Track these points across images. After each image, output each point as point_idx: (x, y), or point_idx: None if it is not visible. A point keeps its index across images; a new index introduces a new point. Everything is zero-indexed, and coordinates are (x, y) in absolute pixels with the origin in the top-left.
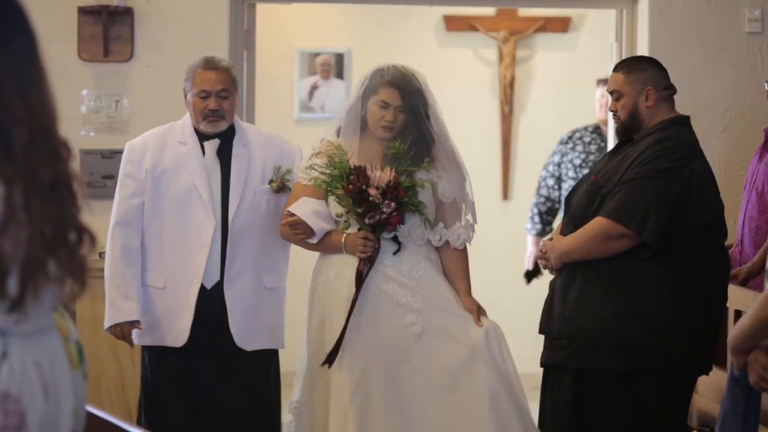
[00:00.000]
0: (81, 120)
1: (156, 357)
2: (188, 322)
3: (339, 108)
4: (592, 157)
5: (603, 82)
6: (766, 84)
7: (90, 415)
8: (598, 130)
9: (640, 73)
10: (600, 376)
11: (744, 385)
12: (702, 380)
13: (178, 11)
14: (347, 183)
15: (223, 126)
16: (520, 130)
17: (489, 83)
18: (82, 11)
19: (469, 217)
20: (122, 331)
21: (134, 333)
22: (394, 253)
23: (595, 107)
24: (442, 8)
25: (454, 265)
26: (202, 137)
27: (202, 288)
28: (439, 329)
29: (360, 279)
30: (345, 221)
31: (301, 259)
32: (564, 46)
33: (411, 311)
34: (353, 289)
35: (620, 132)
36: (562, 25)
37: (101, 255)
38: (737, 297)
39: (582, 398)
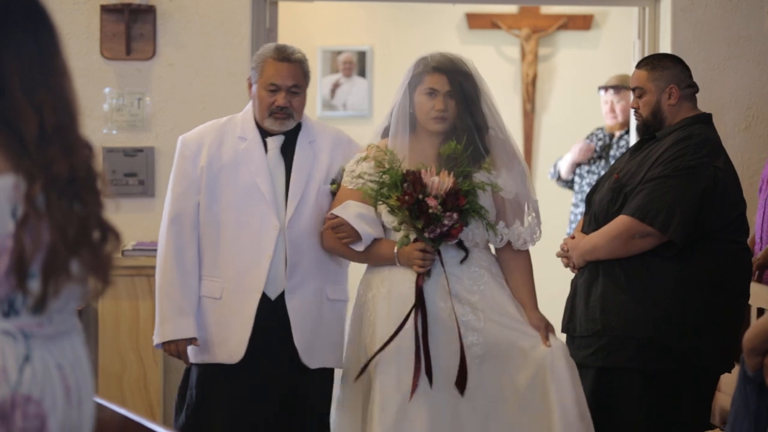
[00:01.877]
0: (103, 118)
1: (206, 375)
2: (246, 336)
3: (361, 106)
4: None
5: (605, 89)
6: None
7: (113, 413)
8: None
9: (664, 71)
10: (624, 374)
11: (756, 384)
12: (724, 378)
13: (201, 9)
14: (402, 193)
15: (290, 125)
16: (542, 128)
17: (511, 81)
18: (105, 9)
19: (531, 217)
20: (177, 349)
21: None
22: (462, 261)
23: (598, 112)
24: (464, 6)
25: (517, 273)
26: (265, 133)
27: (265, 299)
28: (503, 350)
29: (421, 295)
30: (405, 236)
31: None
32: (586, 44)
33: (472, 330)
34: (407, 308)
35: (642, 129)
36: (584, 23)
37: (123, 253)
38: (761, 295)
39: (605, 396)
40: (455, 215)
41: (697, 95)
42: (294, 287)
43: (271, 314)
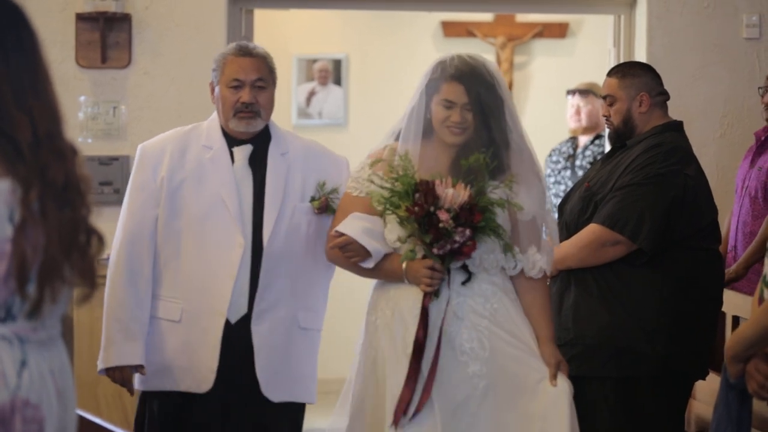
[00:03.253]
0: (78, 126)
1: (168, 405)
2: (214, 363)
3: (337, 114)
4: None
5: (573, 92)
6: (759, 89)
7: (87, 423)
8: (573, 141)
9: (634, 79)
10: (597, 382)
11: (739, 391)
12: (699, 386)
13: (176, 17)
14: (412, 203)
15: (257, 125)
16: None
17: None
18: (80, 18)
19: (547, 239)
20: (122, 376)
21: (137, 377)
22: (463, 284)
23: (566, 118)
24: (439, 14)
25: (532, 301)
26: (232, 141)
27: (226, 322)
28: (507, 384)
29: (426, 316)
30: (410, 250)
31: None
32: (562, 52)
33: (476, 360)
34: (412, 330)
35: (613, 138)
36: (559, 31)
37: (101, 261)
38: (735, 303)
39: (579, 405)
40: (468, 231)
41: (672, 103)
42: (262, 312)
43: (231, 339)
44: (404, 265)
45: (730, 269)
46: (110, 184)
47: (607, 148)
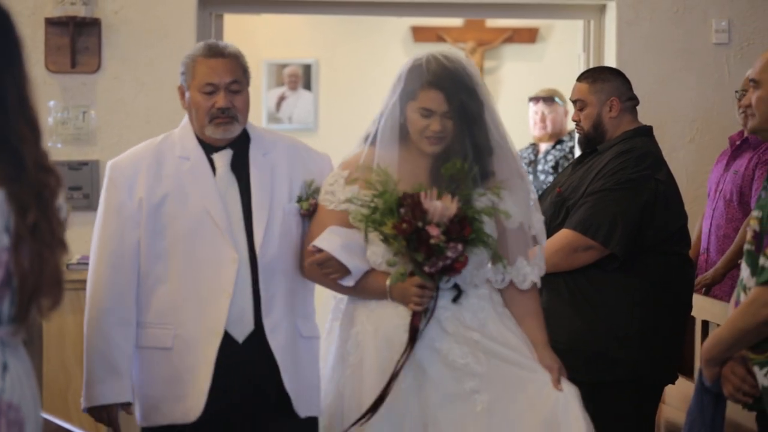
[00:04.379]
0: (48, 131)
1: None
2: (204, 387)
3: (306, 119)
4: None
5: (536, 99)
6: (736, 93)
7: (58, 428)
8: (533, 147)
9: (605, 83)
10: None
11: (713, 395)
12: (669, 390)
13: (146, 22)
14: (399, 220)
15: (235, 130)
16: None
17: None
18: (49, 22)
19: (538, 249)
20: (108, 416)
21: (137, 412)
22: (453, 301)
23: (529, 125)
24: (409, 19)
25: (524, 311)
26: (209, 148)
27: (231, 342)
28: (509, 396)
29: (415, 336)
30: (401, 273)
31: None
32: (532, 57)
33: (471, 376)
34: (398, 350)
35: (583, 142)
36: (529, 36)
37: (68, 266)
38: (705, 307)
39: None
40: (460, 247)
41: (642, 108)
42: (274, 324)
43: (239, 359)
44: (388, 282)
45: (707, 274)
46: (80, 188)
47: (577, 152)
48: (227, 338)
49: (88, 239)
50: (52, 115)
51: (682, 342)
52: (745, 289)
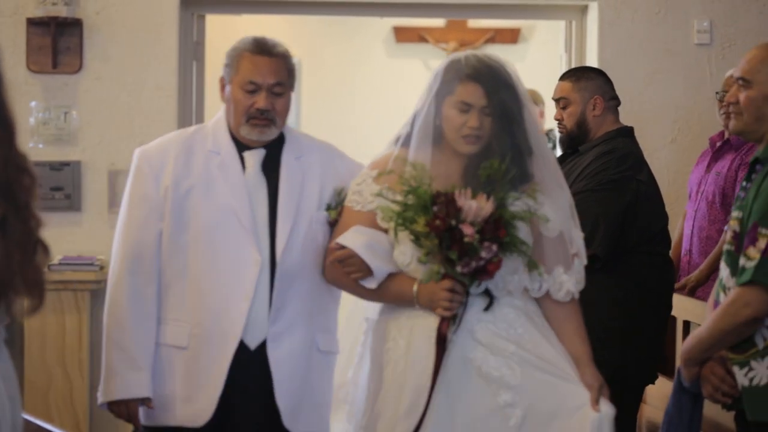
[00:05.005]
0: (29, 132)
1: None
2: (216, 393)
3: (289, 119)
4: None
5: None
6: (717, 94)
7: (38, 429)
8: None
9: (588, 82)
10: None
11: (691, 395)
12: (650, 390)
13: (128, 23)
14: (432, 217)
15: (271, 134)
16: None
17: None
18: (31, 22)
19: (577, 260)
20: (127, 410)
21: (140, 411)
22: (485, 309)
23: None
24: (391, 20)
25: (564, 323)
26: (242, 146)
27: (242, 348)
28: (545, 412)
29: (443, 345)
30: (436, 272)
31: None
32: (514, 58)
33: (506, 388)
34: (432, 363)
35: (565, 141)
36: (511, 37)
37: (50, 267)
38: (686, 308)
39: None
40: (494, 247)
41: (624, 108)
42: (278, 334)
43: (249, 366)
44: (415, 287)
45: (691, 276)
46: (61, 189)
47: (558, 152)
48: (240, 344)
49: (70, 240)
50: (33, 116)
51: (663, 342)
52: (725, 289)
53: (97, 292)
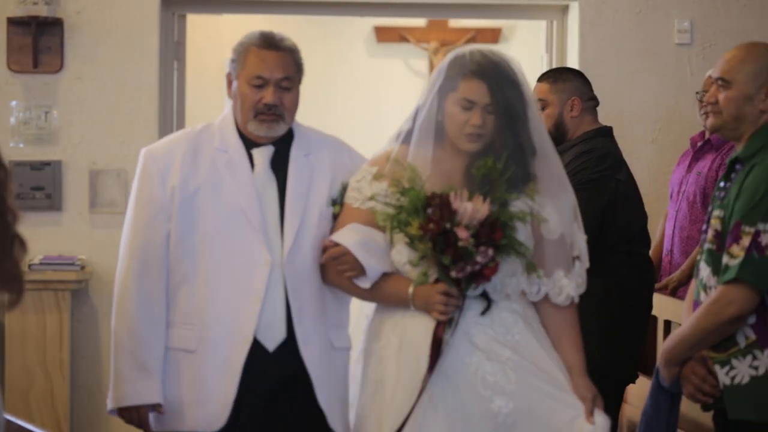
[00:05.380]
0: (10, 131)
1: None
2: (230, 397)
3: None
4: None
5: None
6: (697, 94)
7: (19, 428)
8: None
9: (566, 83)
10: None
11: (669, 394)
12: (631, 390)
13: (108, 22)
14: (426, 220)
15: (280, 129)
16: None
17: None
18: (11, 22)
19: (578, 263)
20: (138, 417)
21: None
22: (482, 313)
23: None
24: (372, 19)
25: (560, 330)
26: (250, 143)
27: (260, 349)
28: (537, 421)
29: (438, 348)
30: (423, 273)
31: None
32: None
33: (500, 394)
34: (424, 364)
35: None
36: (492, 37)
37: (30, 267)
38: (667, 307)
39: None
40: (490, 251)
41: (605, 108)
42: (307, 335)
43: (269, 369)
44: (411, 289)
45: (673, 276)
46: (42, 189)
47: None
48: (256, 345)
49: (51, 239)
50: (14, 115)
51: (643, 341)
52: (705, 288)
53: (77, 292)
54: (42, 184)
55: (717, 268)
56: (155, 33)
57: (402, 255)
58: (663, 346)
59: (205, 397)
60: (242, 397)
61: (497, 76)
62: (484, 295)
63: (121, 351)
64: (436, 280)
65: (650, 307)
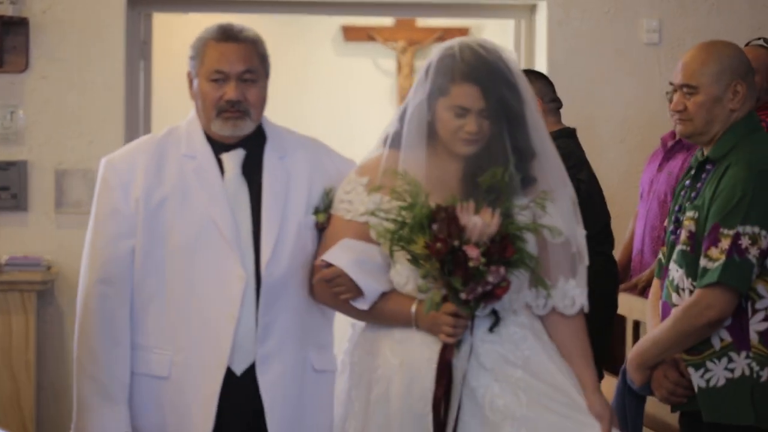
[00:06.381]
0: None
1: None
2: (208, 426)
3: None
4: None
5: None
6: (667, 94)
7: None
8: None
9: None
10: None
11: (636, 396)
12: None
13: (74, 22)
14: (432, 238)
15: (246, 128)
16: None
17: (388, 94)
18: None
19: (581, 266)
20: None
21: None
22: (490, 330)
23: None
24: (340, 18)
25: (571, 342)
26: (219, 147)
27: (228, 373)
28: None
29: (448, 373)
30: (436, 302)
31: None
32: None
33: (510, 419)
34: (429, 387)
35: None
36: (460, 36)
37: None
38: (636, 307)
39: None
40: (502, 270)
41: (573, 108)
42: (267, 356)
43: (238, 393)
44: (413, 308)
45: (642, 275)
46: (7, 189)
47: None
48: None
49: (17, 240)
50: None
51: (609, 342)
52: (678, 290)
53: (43, 292)
54: (7, 185)
55: (691, 270)
56: (121, 32)
57: (401, 275)
58: (633, 349)
59: (182, 428)
60: (218, 425)
61: (490, 77)
62: (492, 312)
63: (82, 376)
64: (443, 299)
65: (615, 306)
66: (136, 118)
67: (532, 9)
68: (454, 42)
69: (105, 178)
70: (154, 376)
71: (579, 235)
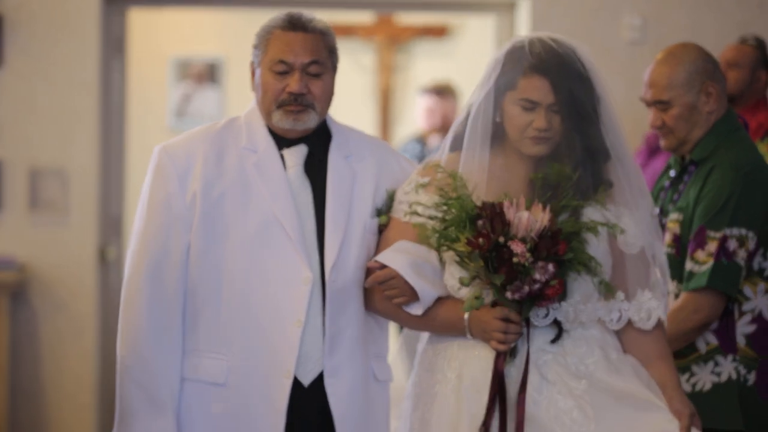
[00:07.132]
0: None
1: None
2: None
3: (213, 115)
4: None
5: (428, 92)
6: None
7: None
8: (420, 141)
9: None
10: None
11: None
12: None
13: (49, 17)
14: (474, 233)
15: (309, 121)
16: (396, 138)
17: (367, 90)
18: None
19: (659, 279)
20: None
21: None
22: (552, 341)
23: (420, 118)
24: (319, 14)
25: (650, 355)
26: (281, 142)
27: (295, 384)
28: None
29: (500, 383)
30: (475, 297)
31: None
32: (443, 54)
33: None
34: (484, 401)
35: None
36: (440, 33)
37: None
38: None
39: None
40: (551, 267)
41: None
42: (336, 367)
43: (306, 405)
44: (467, 315)
45: None
46: None
47: None
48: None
49: None
50: None
51: None
52: None
53: (17, 294)
54: None
55: (677, 273)
56: (96, 28)
57: (454, 278)
58: None
59: None
60: None
61: (561, 70)
62: (556, 323)
63: (128, 381)
64: (494, 303)
65: None
66: (111, 115)
67: (514, 6)
68: (525, 36)
69: (160, 165)
70: (208, 383)
71: (657, 246)
